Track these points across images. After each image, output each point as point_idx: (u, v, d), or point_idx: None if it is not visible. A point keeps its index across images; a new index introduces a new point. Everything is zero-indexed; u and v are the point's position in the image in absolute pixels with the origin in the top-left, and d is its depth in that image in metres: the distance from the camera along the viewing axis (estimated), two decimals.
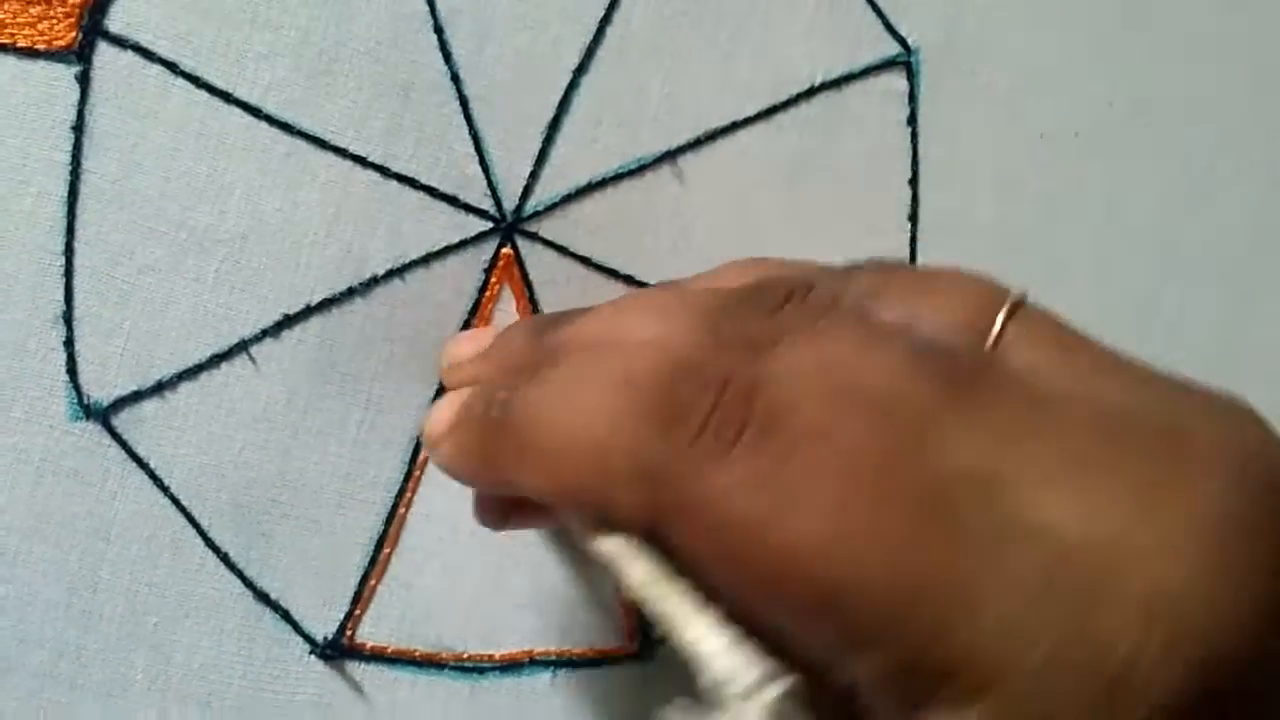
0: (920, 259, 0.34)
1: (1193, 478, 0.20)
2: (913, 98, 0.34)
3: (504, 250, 0.32)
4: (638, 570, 0.23)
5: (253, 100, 0.31)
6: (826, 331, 0.22)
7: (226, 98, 0.31)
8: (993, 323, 0.23)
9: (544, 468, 0.23)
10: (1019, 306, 0.23)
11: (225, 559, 0.31)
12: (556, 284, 0.33)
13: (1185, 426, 0.21)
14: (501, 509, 0.29)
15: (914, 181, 0.34)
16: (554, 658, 0.33)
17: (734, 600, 0.22)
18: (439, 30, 0.32)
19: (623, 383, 0.23)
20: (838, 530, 0.20)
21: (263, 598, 0.32)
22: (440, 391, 0.32)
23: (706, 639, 0.21)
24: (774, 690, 0.20)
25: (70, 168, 0.30)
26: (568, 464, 0.23)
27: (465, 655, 0.32)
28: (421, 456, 0.32)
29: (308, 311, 0.31)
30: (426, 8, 0.32)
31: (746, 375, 0.22)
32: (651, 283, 0.33)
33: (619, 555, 0.23)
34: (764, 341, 0.22)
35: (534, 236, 0.32)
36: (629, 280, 0.33)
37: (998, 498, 0.20)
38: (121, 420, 0.31)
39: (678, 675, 0.23)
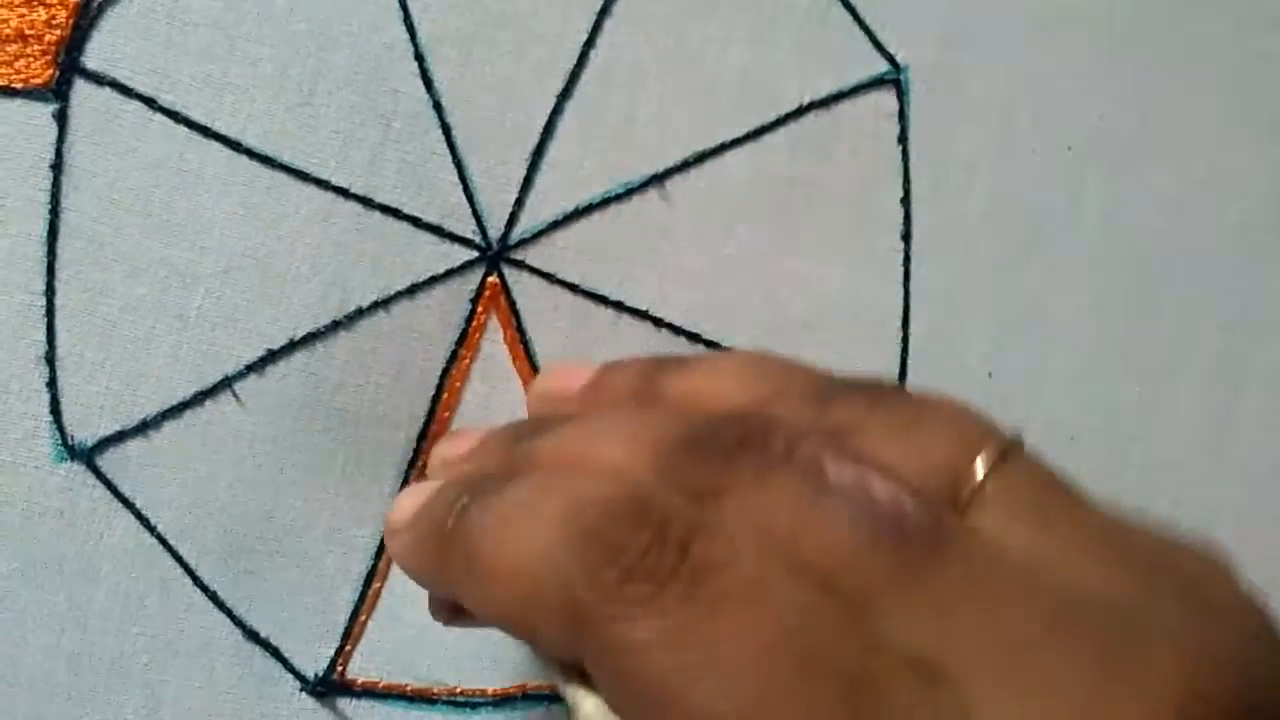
0: (914, 278, 0.33)
1: (1147, 699, 0.18)
2: (903, 116, 0.33)
3: (490, 279, 0.32)
4: (585, 704, 0.22)
5: (232, 134, 0.31)
6: (774, 488, 0.21)
7: (206, 132, 0.30)
8: (971, 468, 0.21)
9: (482, 587, 0.23)
10: (1007, 454, 0.22)
11: (214, 598, 0.31)
12: (544, 312, 0.32)
13: (1150, 629, 0.19)
14: (451, 608, 0.28)
15: (906, 200, 0.33)
16: (547, 691, 0.33)
17: None
18: (419, 58, 0.31)
19: (566, 513, 0.22)
20: (756, 703, 0.19)
21: (252, 636, 0.31)
22: (424, 433, 0.32)
23: None
24: None
25: (49, 207, 0.30)
26: (503, 589, 0.22)
27: (458, 689, 0.32)
28: None
29: (292, 346, 0.31)
30: (406, 36, 0.31)
31: (686, 521, 0.21)
32: (643, 307, 0.32)
33: (564, 685, 0.23)
34: (713, 489, 0.22)
35: (520, 264, 0.32)
36: (618, 307, 0.32)
37: (937, 691, 0.19)
38: (106, 461, 0.31)
39: None
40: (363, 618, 0.32)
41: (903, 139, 0.33)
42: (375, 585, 0.32)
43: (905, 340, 0.34)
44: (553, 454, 0.25)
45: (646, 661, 0.20)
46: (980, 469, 0.21)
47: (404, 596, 0.32)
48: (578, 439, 0.25)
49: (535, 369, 0.32)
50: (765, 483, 0.21)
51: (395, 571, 0.32)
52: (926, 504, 0.21)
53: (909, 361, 0.34)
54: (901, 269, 0.33)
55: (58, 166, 0.30)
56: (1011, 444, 0.22)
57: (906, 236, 0.33)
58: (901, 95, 0.33)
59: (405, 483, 0.32)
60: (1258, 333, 0.35)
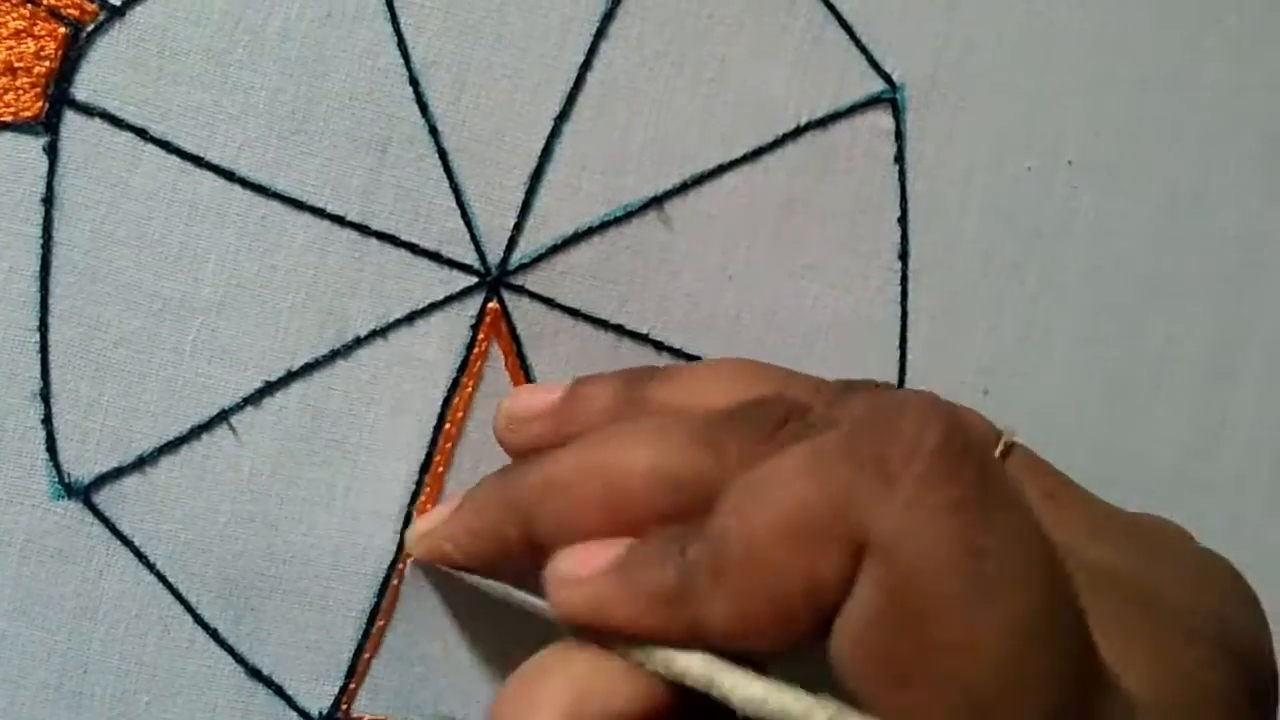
0: (912, 297, 0.33)
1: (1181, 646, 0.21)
2: (899, 135, 0.33)
3: (490, 305, 0.32)
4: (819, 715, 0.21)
5: (225, 163, 0.30)
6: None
7: (198, 162, 0.30)
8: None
9: (744, 576, 0.22)
10: (1009, 449, 0.22)
11: (215, 635, 0.31)
12: (545, 338, 0.32)
13: (1176, 596, 0.22)
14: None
15: (903, 219, 0.33)
16: None
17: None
18: (414, 82, 0.31)
19: (809, 459, 0.21)
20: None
21: (255, 673, 0.31)
22: (427, 464, 0.31)
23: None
24: None
25: (42, 241, 0.30)
26: (772, 558, 0.21)
27: None
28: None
29: (289, 377, 0.31)
30: (401, 60, 0.31)
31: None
32: (643, 330, 0.32)
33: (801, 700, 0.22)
34: (766, 457, 0.22)
35: (520, 289, 0.32)
36: (619, 330, 0.32)
37: None
38: (103, 498, 0.30)
39: None
40: (367, 654, 0.31)
41: (899, 158, 0.33)
42: (379, 622, 0.31)
43: (903, 359, 0.33)
44: (572, 469, 0.24)
45: (949, 531, 0.20)
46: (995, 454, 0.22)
47: (409, 634, 0.31)
48: (592, 448, 0.24)
49: None
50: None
51: (400, 609, 0.31)
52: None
53: (907, 380, 0.33)
54: (899, 288, 0.33)
55: (49, 200, 0.30)
56: (1011, 439, 0.23)
57: (904, 256, 0.33)
58: (898, 114, 0.33)
59: (408, 517, 0.31)
60: (1251, 348, 0.35)
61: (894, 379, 0.33)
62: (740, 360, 0.28)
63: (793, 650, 0.23)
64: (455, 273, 0.31)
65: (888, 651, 0.20)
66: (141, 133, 0.30)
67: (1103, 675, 0.20)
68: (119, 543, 0.30)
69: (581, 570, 0.24)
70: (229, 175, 0.30)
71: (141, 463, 0.30)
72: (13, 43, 0.29)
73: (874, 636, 0.20)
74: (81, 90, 0.30)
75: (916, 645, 0.20)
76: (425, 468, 0.31)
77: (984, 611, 0.19)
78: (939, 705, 0.20)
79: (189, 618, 0.30)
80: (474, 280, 0.31)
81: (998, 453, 0.23)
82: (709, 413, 0.24)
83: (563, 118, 0.32)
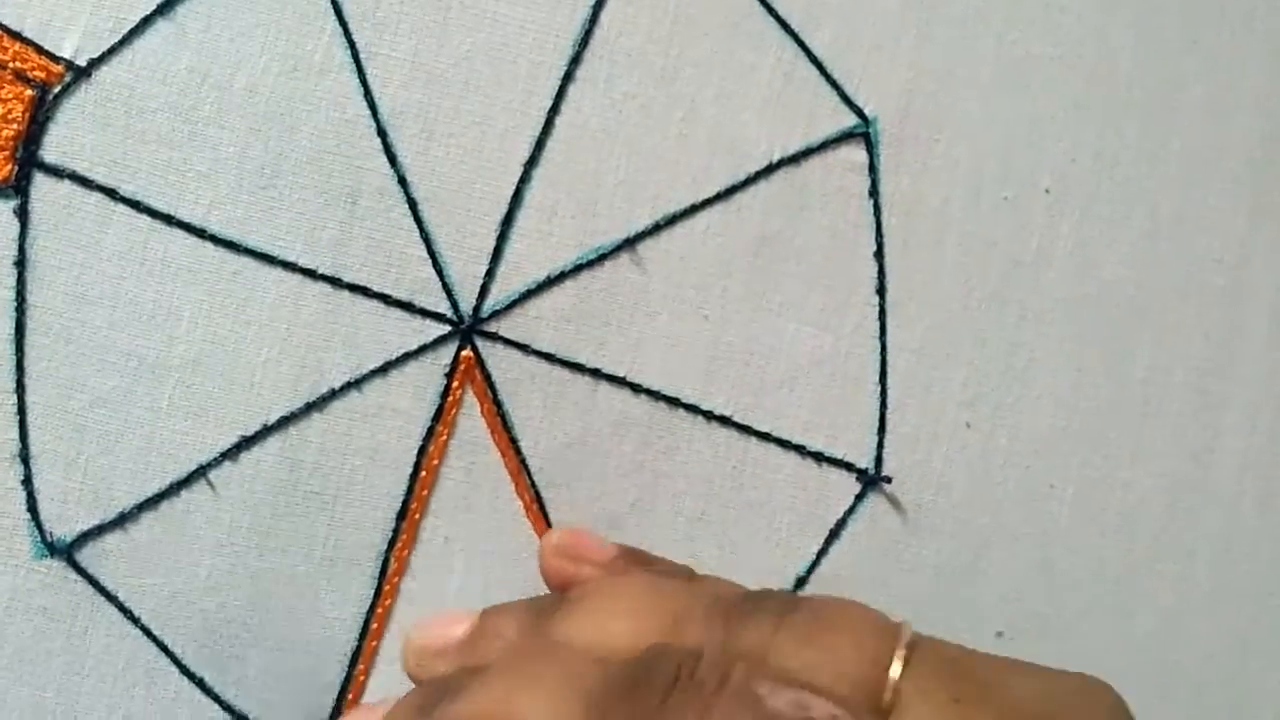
0: (890, 332, 0.33)
1: None
2: (873, 169, 0.33)
3: (464, 353, 0.32)
4: None
5: (196, 220, 0.30)
6: None
7: (169, 220, 0.30)
8: (885, 673, 0.22)
9: None
10: (913, 648, 0.23)
11: (201, 684, 0.31)
12: (521, 383, 0.32)
13: None
14: None
15: (879, 254, 0.33)
16: None
17: None
18: (382, 134, 0.31)
19: None
20: None
21: None
22: (404, 511, 0.31)
23: None
24: None
25: (15, 304, 0.30)
26: None
27: None
28: (390, 572, 0.32)
29: (265, 432, 0.31)
30: (368, 111, 0.31)
31: None
32: (619, 373, 0.32)
33: None
34: None
35: (494, 336, 0.32)
36: (595, 374, 0.32)
37: None
38: (86, 555, 0.30)
39: None
40: (350, 697, 0.32)
41: (874, 192, 0.33)
42: (361, 665, 0.32)
43: (884, 394, 0.33)
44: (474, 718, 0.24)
45: None
46: (895, 670, 0.22)
47: (391, 675, 0.32)
48: (496, 698, 0.24)
49: (514, 441, 0.32)
50: (709, 718, 0.22)
51: (381, 650, 0.32)
52: (867, 698, 0.22)
53: (888, 416, 0.33)
54: (878, 323, 0.33)
55: (21, 263, 0.30)
56: (915, 638, 0.23)
57: (881, 290, 0.33)
58: (871, 148, 0.33)
59: (385, 564, 0.31)
60: (1238, 371, 0.35)
61: (875, 415, 0.33)
62: (633, 584, 0.28)
63: None
64: (428, 322, 0.31)
65: None
66: (111, 193, 0.30)
67: None
68: (103, 599, 0.30)
69: None
70: (200, 233, 0.30)
71: (123, 520, 0.30)
72: None
73: None
74: (50, 152, 0.30)
75: None
76: (402, 515, 0.31)
77: None
78: None
79: (175, 669, 0.31)
80: (447, 329, 0.31)
81: (898, 658, 0.23)
82: (604, 675, 0.23)
83: (532, 163, 0.32)
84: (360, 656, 0.32)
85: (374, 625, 0.32)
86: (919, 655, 0.23)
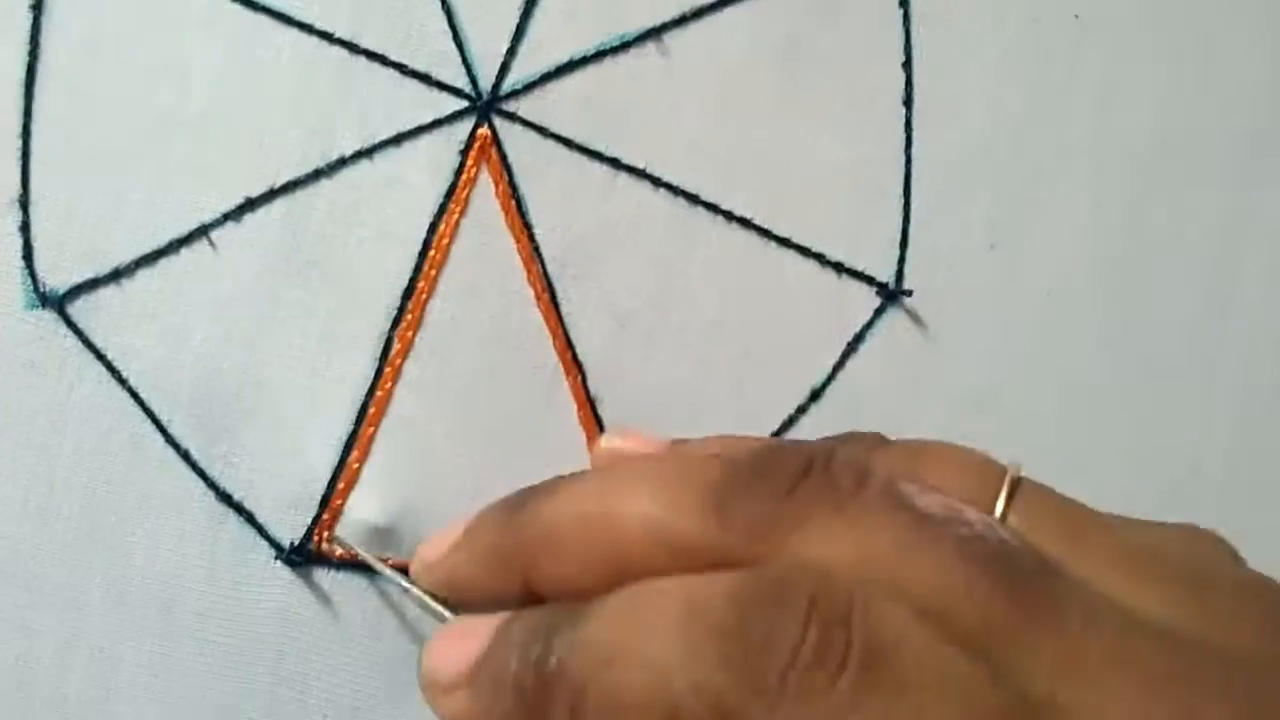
0: (915, 144, 0.32)
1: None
2: None
3: (481, 130, 0.31)
4: None
5: None
6: (863, 519, 0.20)
7: None
8: (994, 501, 0.21)
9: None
10: (1015, 485, 0.21)
11: (186, 457, 0.30)
12: (538, 167, 0.31)
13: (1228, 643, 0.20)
14: None
15: (908, 65, 0.32)
16: None
17: None
18: None
19: (685, 620, 0.19)
20: None
21: (226, 499, 0.30)
22: (410, 290, 0.30)
23: None
24: None
25: (28, 48, 0.29)
26: None
27: None
28: (393, 354, 0.30)
29: (271, 194, 0.30)
30: None
31: (831, 595, 0.19)
32: (639, 165, 0.31)
33: None
34: (783, 525, 0.20)
35: (512, 116, 0.31)
36: (614, 164, 0.31)
37: None
38: (78, 309, 0.29)
39: None
40: (341, 486, 0.30)
41: (904, 2, 0.32)
42: (355, 452, 0.30)
43: (907, 209, 0.32)
44: (572, 520, 0.22)
45: None
46: (1001, 503, 0.21)
47: (386, 466, 0.30)
48: (594, 496, 0.22)
49: (528, 226, 0.31)
50: (848, 512, 0.20)
51: (377, 439, 0.30)
52: (1020, 537, 0.20)
53: (910, 231, 0.32)
54: (903, 135, 0.32)
55: (38, 7, 0.29)
56: (1020, 478, 0.22)
57: (908, 102, 0.32)
58: None
59: (388, 345, 0.30)
60: (1253, 221, 0.34)
61: (897, 229, 0.32)
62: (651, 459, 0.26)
63: None
64: (445, 96, 0.31)
65: None
66: None
67: None
68: (91, 356, 0.29)
69: (440, 674, 0.23)
70: None
71: (118, 275, 0.29)
72: None
73: None
74: None
75: None
76: (408, 294, 0.30)
77: None
78: None
79: (160, 437, 0.30)
80: (464, 104, 0.31)
81: (1003, 495, 0.21)
82: (725, 465, 0.22)
83: None
84: (356, 442, 0.30)
85: (372, 410, 0.30)
86: (1024, 493, 0.21)
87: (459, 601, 0.26)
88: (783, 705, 0.18)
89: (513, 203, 0.31)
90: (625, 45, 0.31)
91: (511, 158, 0.31)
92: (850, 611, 0.19)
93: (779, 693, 0.18)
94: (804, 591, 0.19)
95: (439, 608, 0.25)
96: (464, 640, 0.23)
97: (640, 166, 0.31)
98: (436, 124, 0.30)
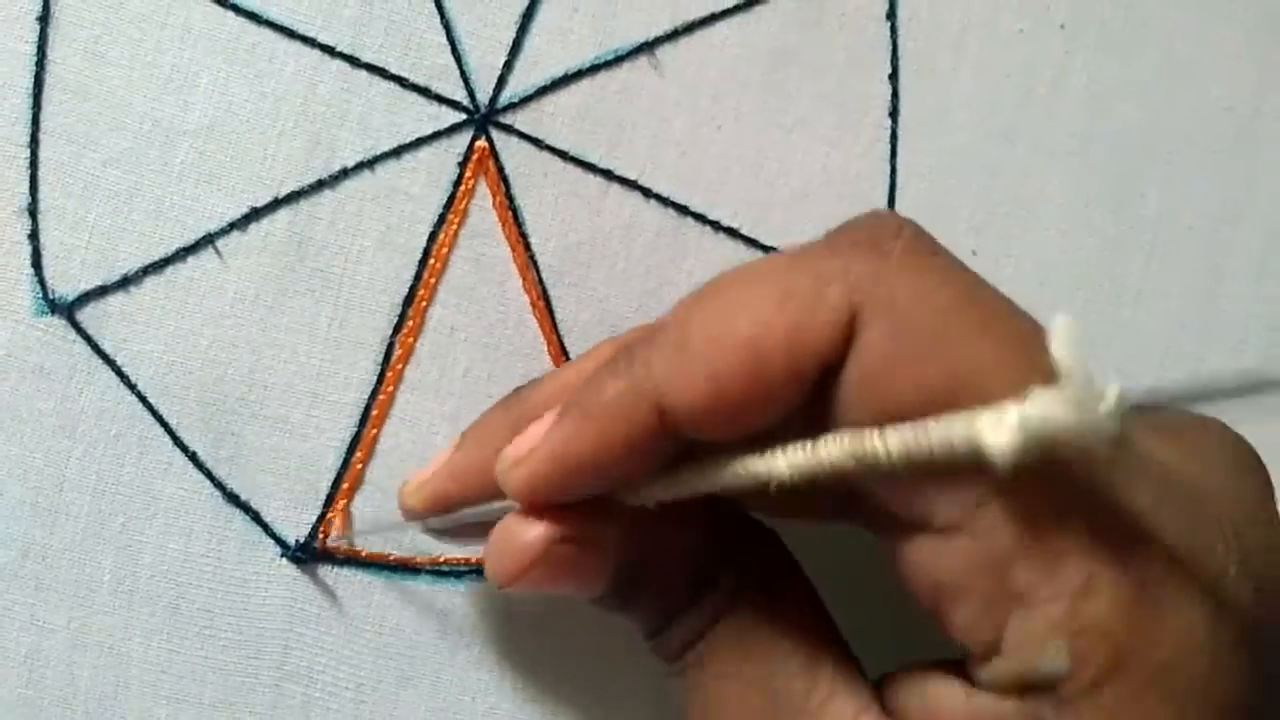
0: (901, 155, 0.33)
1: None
2: None
3: (478, 143, 0.32)
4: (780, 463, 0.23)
5: None
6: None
7: None
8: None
9: (717, 344, 0.23)
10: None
11: (194, 458, 0.31)
12: (534, 178, 0.32)
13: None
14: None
15: (894, 77, 0.33)
16: None
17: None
18: None
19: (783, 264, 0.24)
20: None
21: (232, 499, 0.31)
22: (410, 297, 0.31)
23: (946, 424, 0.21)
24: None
25: (36, 59, 0.30)
26: (744, 319, 0.23)
27: (441, 559, 0.32)
28: (395, 359, 0.31)
29: (275, 204, 0.31)
30: None
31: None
32: (632, 176, 0.32)
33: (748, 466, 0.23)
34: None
35: (509, 129, 0.32)
36: (607, 175, 0.32)
37: None
38: (86, 315, 0.30)
39: None
40: (345, 486, 0.31)
41: (891, 14, 0.33)
42: (359, 452, 0.31)
43: None
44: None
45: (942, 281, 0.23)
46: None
47: (389, 465, 0.31)
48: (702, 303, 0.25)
49: (524, 235, 0.32)
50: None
51: (380, 439, 0.31)
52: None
53: None
54: (889, 145, 0.33)
55: (45, 18, 0.30)
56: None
57: (894, 113, 0.33)
58: None
59: (389, 350, 0.31)
60: (1242, 218, 0.35)
61: None
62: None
63: (765, 430, 0.23)
64: (444, 108, 0.31)
65: (900, 383, 0.22)
66: None
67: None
68: (100, 361, 0.30)
69: (523, 443, 0.25)
70: (221, 1, 0.30)
71: (126, 282, 0.30)
72: None
73: (886, 373, 0.22)
74: None
75: (921, 373, 0.22)
76: (409, 301, 0.31)
77: (981, 341, 0.22)
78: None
79: (168, 440, 0.31)
80: (463, 117, 0.32)
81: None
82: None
83: None
84: (359, 444, 0.31)
85: (375, 412, 0.31)
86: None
87: (454, 503, 0.28)
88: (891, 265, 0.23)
89: (509, 213, 0.32)
90: (619, 59, 0.32)
91: (508, 169, 0.32)
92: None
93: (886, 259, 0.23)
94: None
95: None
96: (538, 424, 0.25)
97: (632, 178, 0.32)
98: (435, 136, 0.31)
